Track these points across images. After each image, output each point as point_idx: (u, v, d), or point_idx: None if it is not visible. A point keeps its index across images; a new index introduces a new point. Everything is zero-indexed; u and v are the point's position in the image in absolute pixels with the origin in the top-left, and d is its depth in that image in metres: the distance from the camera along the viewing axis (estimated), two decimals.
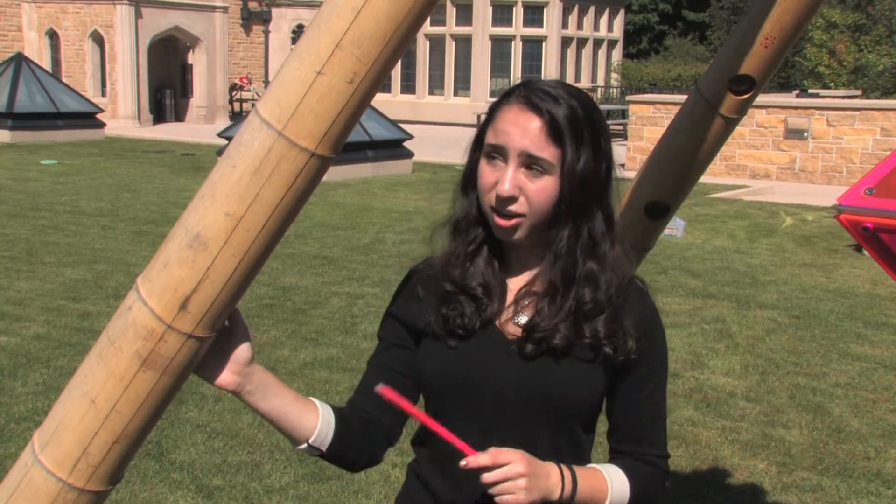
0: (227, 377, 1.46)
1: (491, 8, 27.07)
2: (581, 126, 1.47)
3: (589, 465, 1.52)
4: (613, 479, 1.51)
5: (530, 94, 1.48)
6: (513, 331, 1.54)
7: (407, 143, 15.71)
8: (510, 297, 1.56)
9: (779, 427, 4.85)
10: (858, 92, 20.59)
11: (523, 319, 1.53)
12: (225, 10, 25.88)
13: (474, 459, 1.38)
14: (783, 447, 4.59)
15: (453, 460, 1.43)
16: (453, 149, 19.60)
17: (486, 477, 1.38)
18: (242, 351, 1.47)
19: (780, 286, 7.94)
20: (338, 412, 1.60)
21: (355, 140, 14.11)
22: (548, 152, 1.45)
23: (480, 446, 1.44)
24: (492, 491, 1.38)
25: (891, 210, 1.53)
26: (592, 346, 1.50)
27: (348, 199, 12.36)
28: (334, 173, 13.65)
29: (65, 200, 11.71)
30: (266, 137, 1.31)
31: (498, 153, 1.49)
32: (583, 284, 1.50)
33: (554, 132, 1.45)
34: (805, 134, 15.36)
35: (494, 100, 1.55)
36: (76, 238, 9.32)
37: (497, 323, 1.55)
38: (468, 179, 1.57)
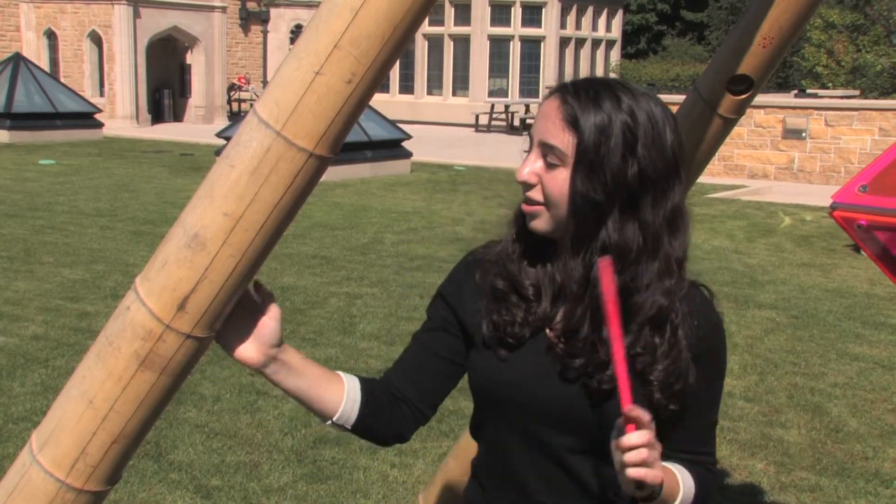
0: (250, 354, 1.45)
1: (489, 8, 27.06)
2: (610, 120, 1.38)
3: (670, 465, 1.45)
4: (683, 477, 1.46)
5: (572, 84, 1.45)
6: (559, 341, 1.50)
7: (405, 144, 15.70)
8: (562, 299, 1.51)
9: (777, 427, 4.85)
10: (856, 92, 20.61)
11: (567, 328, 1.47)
12: (223, 10, 25.87)
13: (636, 411, 1.27)
14: (781, 447, 4.60)
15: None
16: (452, 149, 19.61)
17: (630, 438, 1.26)
18: (272, 330, 1.46)
19: (778, 286, 7.95)
20: (366, 386, 1.56)
21: (354, 140, 14.10)
22: (561, 140, 1.40)
23: (524, 456, 1.47)
24: (628, 458, 1.26)
25: (884, 207, 1.53)
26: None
27: (347, 199, 12.36)
28: (333, 173, 13.65)
29: (63, 200, 11.70)
30: (264, 137, 1.31)
31: (530, 141, 1.49)
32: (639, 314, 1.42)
33: (571, 121, 1.40)
34: (803, 134, 15.37)
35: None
36: (74, 238, 9.31)
37: (547, 330, 1.49)
38: None
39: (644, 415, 1.27)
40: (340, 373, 1.57)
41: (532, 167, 1.45)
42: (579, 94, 1.41)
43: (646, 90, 1.46)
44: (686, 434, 1.51)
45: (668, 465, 1.44)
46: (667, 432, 1.44)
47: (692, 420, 1.50)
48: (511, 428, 1.51)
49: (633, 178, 1.39)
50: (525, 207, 1.48)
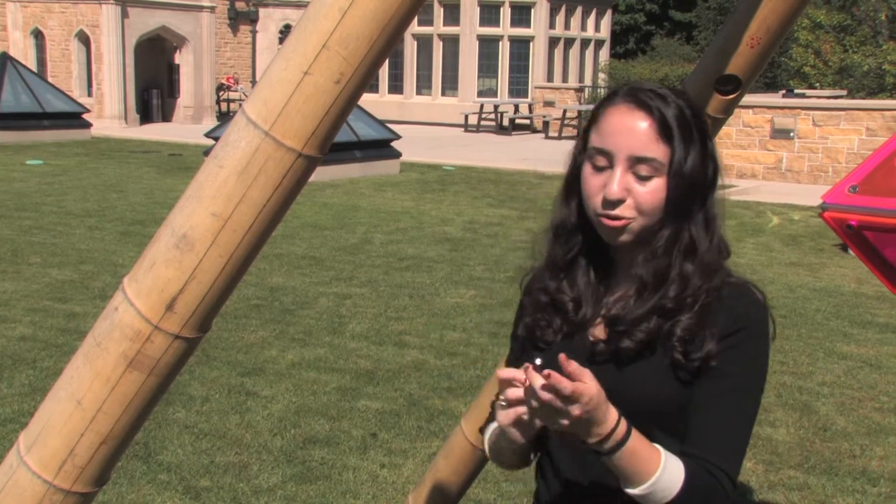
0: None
1: (478, 8, 27.07)
2: (690, 124, 1.44)
3: (653, 444, 1.41)
4: (668, 466, 1.39)
5: (638, 92, 1.45)
6: (599, 334, 1.52)
7: (395, 143, 15.70)
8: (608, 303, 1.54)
9: (766, 426, 4.87)
10: (844, 92, 20.70)
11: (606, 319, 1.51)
12: (212, 9, 25.80)
13: (557, 377, 1.28)
14: (770, 446, 4.61)
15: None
16: (441, 149, 19.61)
17: (542, 392, 1.28)
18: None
19: (766, 285, 7.96)
20: None
21: (343, 140, 14.09)
22: (657, 152, 1.42)
23: (562, 448, 1.51)
24: (534, 405, 1.30)
25: (874, 207, 1.54)
26: (663, 347, 1.45)
27: (336, 200, 12.34)
28: (322, 173, 13.63)
29: (51, 201, 11.65)
30: (253, 138, 1.31)
31: (604, 156, 1.45)
32: (672, 285, 1.46)
33: (664, 131, 1.42)
34: (791, 134, 15.44)
35: (600, 100, 1.53)
36: (62, 238, 9.27)
37: (588, 329, 1.53)
38: (570, 184, 1.54)
39: (566, 383, 1.26)
40: None
41: (623, 183, 1.44)
42: (658, 103, 1.44)
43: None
44: (696, 434, 1.46)
45: (663, 450, 1.41)
46: (687, 421, 1.46)
47: (705, 417, 1.46)
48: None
49: (713, 174, 1.48)
50: (610, 223, 1.46)
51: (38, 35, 24.32)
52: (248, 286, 7.38)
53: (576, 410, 1.29)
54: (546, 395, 1.27)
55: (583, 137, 1.52)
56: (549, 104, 25.44)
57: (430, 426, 4.73)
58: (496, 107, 25.14)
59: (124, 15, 23.39)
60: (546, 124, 24.18)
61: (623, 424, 1.36)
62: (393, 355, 5.87)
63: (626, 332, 1.46)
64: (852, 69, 21.88)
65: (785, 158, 15.56)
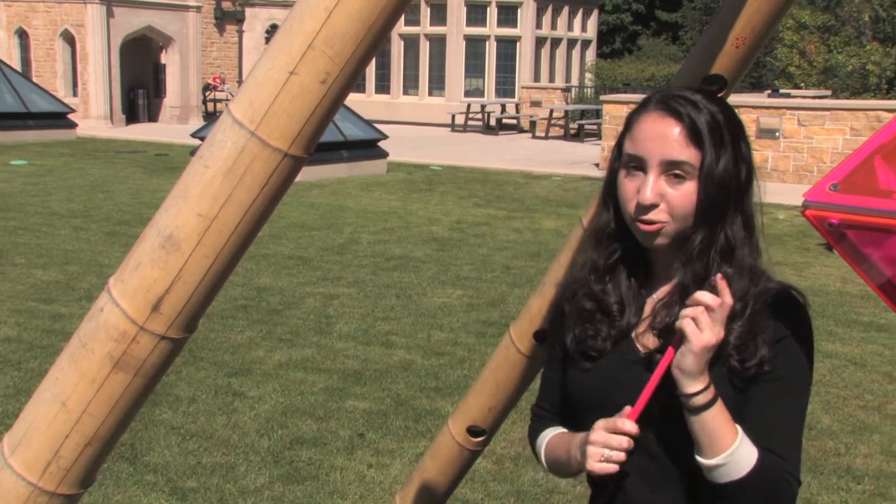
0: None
1: (465, 8, 27.09)
2: (721, 129, 1.47)
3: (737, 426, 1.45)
4: (744, 442, 1.43)
5: (669, 100, 1.48)
6: (647, 342, 1.54)
7: (382, 143, 15.69)
8: (649, 307, 1.55)
9: None
10: (828, 92, 20.83)
11: (658, 329, 1.52)
12: (198, 9, 25.71)
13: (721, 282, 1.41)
14: None
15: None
16: (428, 149, 19.61)
17: (702, 296, 1.39)
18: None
19: None
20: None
21: (330, 140, 14.07)
22: (688, 155, 1.45)
23: (635, 475, 1.52)
24: (684, 313, 1.40)
25: (855, 206, 1.55)
26: (717, 356, 1.45)
27: (323, 200, 12.33)
28: (309, 173, 13.61)
29: (36, 201, 11.59)
30: (239, 138, 1.31)
31: (637, 163, 1.48)
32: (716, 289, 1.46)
33: (694, 136, 1.45)
34: (777, 133, 15.52)
35: (633, 108, 1.55)
36: (47, 239, 9.22)
37: (633, 335, 1.55)
38: (609, 190, 1.56)
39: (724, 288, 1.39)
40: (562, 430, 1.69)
41: (656, 188, 1.46)
42: (687, 108, 1.47)
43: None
44: (755, 439, 1.47)
45: (738, 427, 1.44)
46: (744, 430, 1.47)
47: (761, 424, 1.48)
48: None
49: (746, 177, 1.51)
50: (645, 227, 1.48)
51: (23, 34, 24.18)
52: (234, 286, 7.37)
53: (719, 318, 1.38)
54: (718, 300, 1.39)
55: (617, 144, 1.55)
56: (535, 104, 25.48)
57: (418, 426, 4.73)
58: (483, 107, 25.17)
59: (109, 14, 23.29)
60: (533, 124, 24.21)
61: (713, 387, 1.41)
62: (380, 355, 5.87)
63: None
64: (836, 69, 22.02)
65: (770, 158, 15.64)
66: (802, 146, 15.38)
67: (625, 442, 1.44)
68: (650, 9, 41.41)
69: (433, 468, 2.27)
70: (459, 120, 25.17)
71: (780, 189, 14.53)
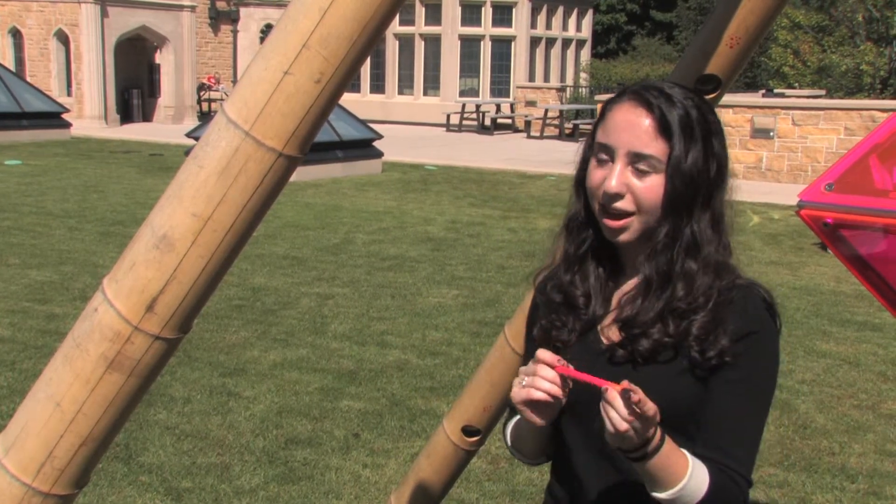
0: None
1: (460, 8, 27.08)
2: (693, 124, 1.46)
3: (681, 448, 1.43)
4: (696, 471, 1.41)
5: (644, 91, 1.48)
6: (611, 335, 1.54)
7: (377, 143, 15.68)
8: (616, 300, 1.56)
9: None
10: (822, 92, 20.87)
11: (621, 322, 1.53)
12: (192, 9, 25.67)
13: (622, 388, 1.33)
14: None
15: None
16: (423, 148, 19.61)
17: (627, 418, 1.31)
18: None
19: None
20: None
21: (325, 140, 14.06)
22: (656, 148, 1.45)
23: (585, 450, 1.53)
24: (604, 409, 1.34)
25: (849, 206, 1.56)
26: (678, 348, 1.46)
27: (318, 200, 12.32)
28: (304, 173, 13.60)
29: (30, 201, 11.56)
30: (233, 138, 1.31)
31: (606, 152, 1.48)
32: (679, 283, 1.47)
33: (664, 128, 1.44)
34: (771, 133, 15.54)
35: (609, 98, 1.55)
36: (42, 239, 9.20)
37: (599, 327, 1.55)
38: (580, 180, 1.57)
39: (636, 390, 1.31)
40: None
41: (622, 178, 1.47)
42: (659, 100, 1.46)
43: (683, 87, 1.52)
44: (710, 434, 1.48)
45: (689, 455, 1.43)
46: (696, 434, 1.48)
47: (717, 417, 1.48)
48: (571, 421, 1.57)
49: (716, 173, 1.48)
50: (611, 223, 1.49)
51: (16, 34, 24.12)
52: (229, 286, 7.36)
53: (649, 430, 1.34)
54: (627, 421, 1.31)
55: (591, 133, 1.56)
56: (530, 104, 25.49)
57: (413, 426, 4.72)
58: (478, 106, 25.17)
59: (104, 14, 23.24)
60: (528, 124, 24.22)
61: (659, 431, 1.38)
62: (375, 355, 5.87)
63: (641, 333, 1.48)
64: (831, 69, 22.06)
65: (765, 158, 15.66)
66: (797, 146, 15.41)
67: (542, 370, 1.40)
68: (645, 9, 41.45)
69: (428, 468, 2.27)
70: (454, 120, 25.17)
71: (774, 189, 14.55)
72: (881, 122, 1.59)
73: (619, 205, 1.47)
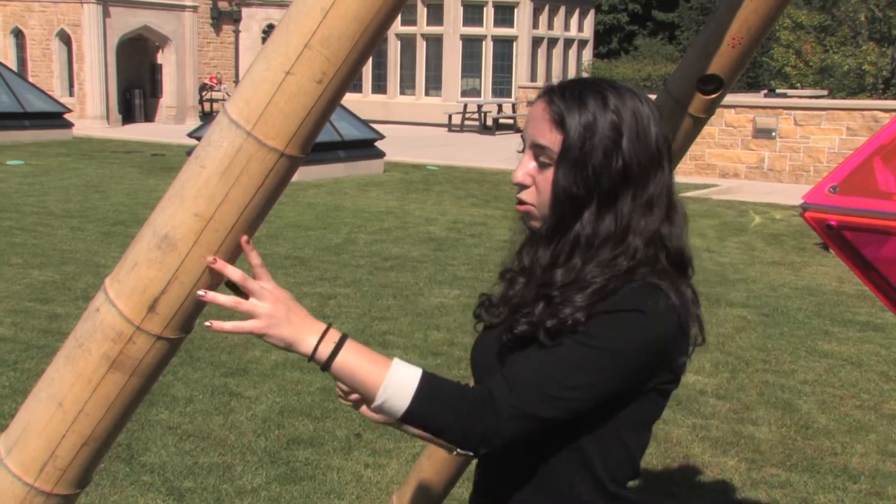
0: None
1: (462, 8, 27.09)
2: (595, 118, 1.42)
3: (393, 359, 1.40)
4: (394, 378, 1.37)
5: (559, 85, 1.50)
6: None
7: (378, 143, 15.68)
8: None
9: (748, 424, 4.90)
10: (824, 92, 20.87)
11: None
12: (194, 9, 25.68)
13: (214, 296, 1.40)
14: (752, 444, 4.64)
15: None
16: (425, 148, 19.61)
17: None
18: None
19: (749, 284, 8.02)
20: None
21: (327, 140, 14.06)
22: (551, 139, 1.46)
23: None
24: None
25: (854, 208, 1.56)
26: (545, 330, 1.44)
27: (320, 200, 12.32)
28: (306, 173, 13.60)
29: (32, 201, 11.57)
30: (235, 138, 1.30)
31: (523, 143, 1.53)
32: (559, 270, 1.45)
33: (559, 120, 1.45)
34: (773, 133, 15.53)
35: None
36: (44, 239, 9.21)
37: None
38: None
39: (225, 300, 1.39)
40: None
41: (526, 169, 1.50)
42: (565, 94, 1.47)
43: (631, 87, 1.50)
44: (515, 359, 1.45)
45: (403, 365, 1.39)
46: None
47: (514, 360, 1.45)
48: None
49: (617, 173, 1.43)
50: (518, 208, 1.53)
51: (19, 34, 24.14)
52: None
53: (257, 316, 1.42)
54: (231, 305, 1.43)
55: None
56: (532, 104, 25.47)
57: None
58: (480, 106, 25.16)
59: (106, 14, 23.26)
60: None
61: (331, 337, 1.38)
62: None
63: (521, 317, 1.48)
64: (833, 69, 22.04)
65: (767, 158, 15.65)
66: (799, 146, 15.40)
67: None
68: (647, 9, 41.43)
69: (429, 469, 2.27)
70: (456, 120, 25.17)
71: (776, 189, 14.54)
72: (884, 123, 1.58)
73: (522, 195, 1.51)
